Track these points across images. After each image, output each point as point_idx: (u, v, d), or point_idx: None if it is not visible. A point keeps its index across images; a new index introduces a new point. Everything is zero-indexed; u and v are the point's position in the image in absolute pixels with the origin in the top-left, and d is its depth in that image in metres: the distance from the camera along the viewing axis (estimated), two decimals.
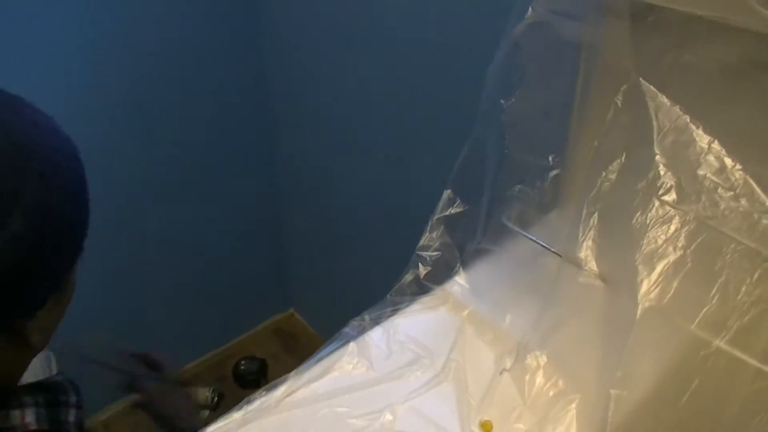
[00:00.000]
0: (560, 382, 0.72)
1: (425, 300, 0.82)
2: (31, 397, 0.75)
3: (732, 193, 0.66)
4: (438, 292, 0.83)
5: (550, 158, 0.77)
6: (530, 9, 0.72)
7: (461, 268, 0.84)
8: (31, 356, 0.75)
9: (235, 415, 0.69)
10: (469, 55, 1.07)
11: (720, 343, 0.63)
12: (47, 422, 0.75)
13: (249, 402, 0.71)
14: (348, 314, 0.81)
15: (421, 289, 0.82)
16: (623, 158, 0.74)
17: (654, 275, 0.67)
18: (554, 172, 0.78)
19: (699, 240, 0.67)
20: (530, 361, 0.74)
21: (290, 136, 1.83)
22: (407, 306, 0.81)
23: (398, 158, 1.40)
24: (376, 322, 0.79)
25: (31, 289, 0.65)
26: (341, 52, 1.40)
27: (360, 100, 1.42)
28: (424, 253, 0.82)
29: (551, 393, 0.72)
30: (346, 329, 0.78)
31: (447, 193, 0.83)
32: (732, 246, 0.65)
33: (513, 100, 0.76)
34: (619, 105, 0.75)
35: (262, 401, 0.71)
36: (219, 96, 1.75)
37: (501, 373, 0.75)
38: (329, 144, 1.66)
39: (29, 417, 0.73)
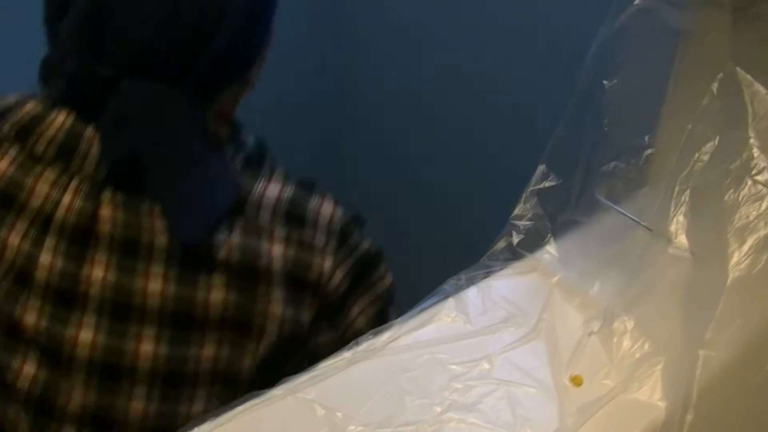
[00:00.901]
0: (646, 346, 0.77)
1: (517, 266, 0.88)
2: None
3: None
4: (529, 259, 0.88)
5: (646, 138, 0.83)
6: None
7: (552, 238, 0.89)
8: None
9: (346, 354, 0.76)
10: (565, 35, 1.13)
11: None
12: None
13: (357, 344, 0.77)
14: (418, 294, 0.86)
15: (513, 255, 0.88)
16: (716, 141, 0.79)
17: (745, 248, 0.72)
18: (649, 151, 0.83)
19: None
20: (617, 325, 0.79)
21: (370, 108, 1.88)
22: (500, 270, 0.87)
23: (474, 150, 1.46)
24: (471, 282, 0.85)
25: (243, 54, 0.87)
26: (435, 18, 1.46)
27: (450, 70, 1.47)
28: (517, 222, 0.88)
29: (637, 355, 0.77)
30: (444, 286, 0.83)
31: (541, 168, 0.89)
32: None
33: (615, 81, 0.81)
34: (714, 92, 0.80)
35: (368, 344, 0.77)
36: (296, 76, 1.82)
37: (589, 335, 0.80)
38: (410, 116, 1.71)
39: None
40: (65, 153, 0.84)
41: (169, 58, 0.81)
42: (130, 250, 0.83)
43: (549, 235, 0.89)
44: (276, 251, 0.86)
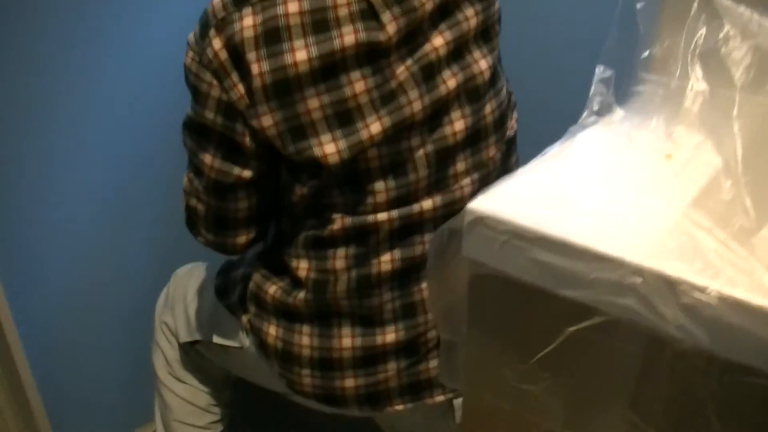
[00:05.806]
0: (694, 132, 1.35)
1: (602, 120, 1.44)
2: None
3: None
4: (606, 117, 1.45)
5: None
6: None
7: (616, 106, 1.46)
8: None
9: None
10: None
11: None
12: None
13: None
14: None
15: (597, 117, 1.44)
16: (706, 27, 1.40)
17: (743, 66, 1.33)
18: (666, 42, 1.44)
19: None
20: (675, 132, 1.37)
21: None
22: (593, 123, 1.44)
23: None
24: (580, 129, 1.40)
25: None
26: None
27: None
28: (595, 98, 1.45)
29: (685, 137, 1.35)
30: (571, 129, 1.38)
31: (600, 67, 1.47)
32: None
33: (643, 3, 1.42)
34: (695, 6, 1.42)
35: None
36: None
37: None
38: None
39: None
40: None
41: None
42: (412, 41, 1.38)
43: (614, 103, 1.46)
44: None
